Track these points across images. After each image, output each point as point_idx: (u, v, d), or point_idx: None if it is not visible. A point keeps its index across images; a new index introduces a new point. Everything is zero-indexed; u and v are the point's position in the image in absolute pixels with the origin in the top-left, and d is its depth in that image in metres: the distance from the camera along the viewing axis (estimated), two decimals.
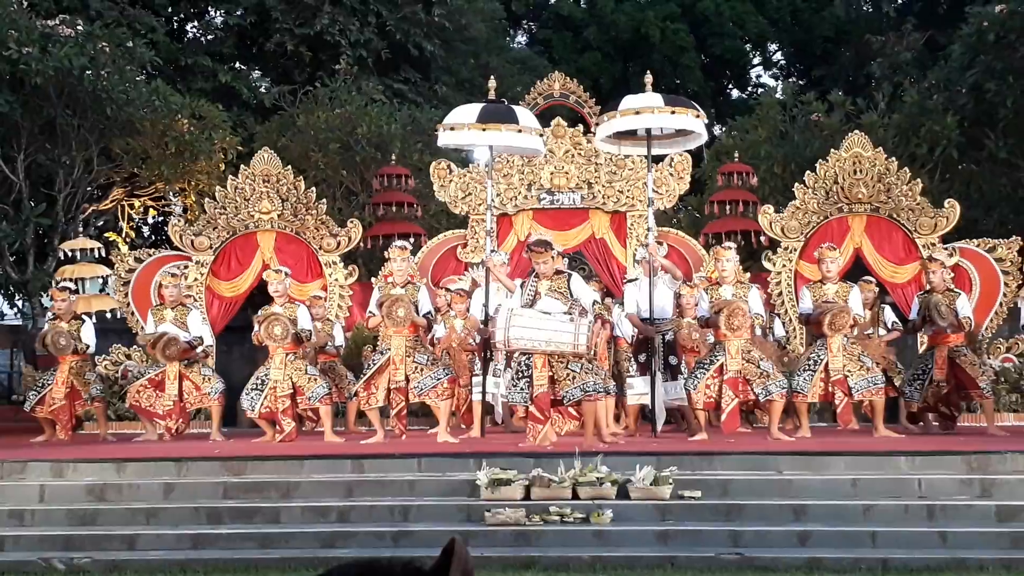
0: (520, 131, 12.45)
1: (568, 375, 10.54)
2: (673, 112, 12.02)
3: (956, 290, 12.75)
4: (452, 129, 12.51)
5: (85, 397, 13.61)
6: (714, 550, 8.15)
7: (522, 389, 10.65)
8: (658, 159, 14.53)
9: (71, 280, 16.88)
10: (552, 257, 10.86)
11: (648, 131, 12.41)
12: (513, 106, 12.97)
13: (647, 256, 12.27)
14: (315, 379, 12.22)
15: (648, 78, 12.63)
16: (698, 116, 12.18)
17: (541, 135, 13.44)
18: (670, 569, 7.77)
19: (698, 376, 11.37)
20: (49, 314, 14.31)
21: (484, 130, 12.29)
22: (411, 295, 11.78)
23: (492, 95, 12.85)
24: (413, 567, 1.17)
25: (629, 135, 12.85)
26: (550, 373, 10.58)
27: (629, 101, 12.13)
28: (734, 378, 11.28)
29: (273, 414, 12.12)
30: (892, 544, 8.24)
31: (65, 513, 9.28)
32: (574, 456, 9.20)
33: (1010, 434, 12.25)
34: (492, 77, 14.05)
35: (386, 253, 14.88)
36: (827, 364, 11.58)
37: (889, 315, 13.64)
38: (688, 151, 15.33)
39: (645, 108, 11.99)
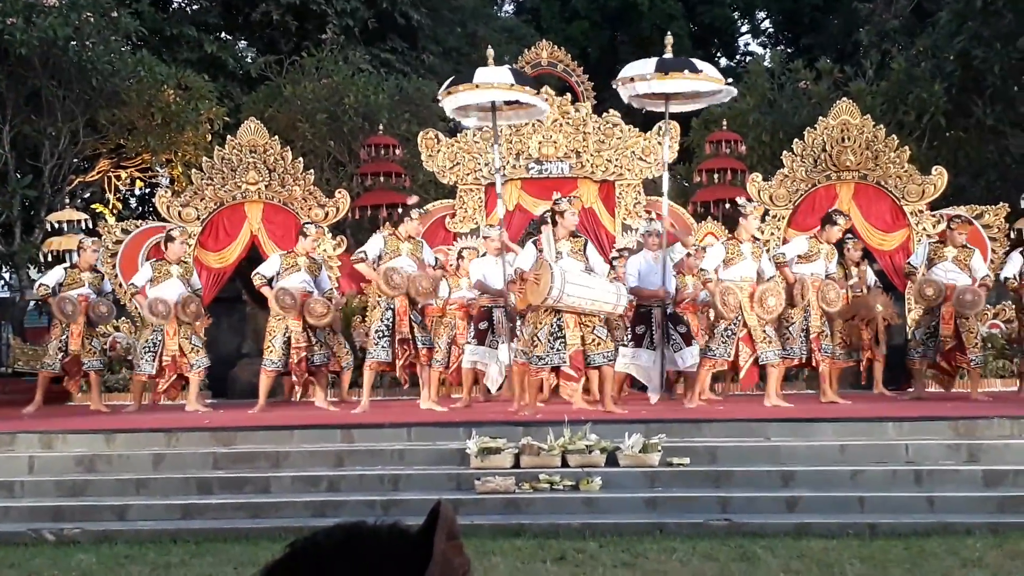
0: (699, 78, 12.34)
1: (595, 340, 10.88)
2: (663, 79, 11.98)
3: (970, 247, 12.88)
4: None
5: (87, 366, 13.62)
6: (703, 516, 8.19)
7: (558, 350, 10.76)
8: (675, 116, 14.34)
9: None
10: (574, 213, 11.47)
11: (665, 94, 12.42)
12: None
13: (661, 227, 12.28)
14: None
15: (669, 39, 12.68)
16: (697, 77, 12.11)
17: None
18: (659, 535, 7.81)
19: (727, 341, 11.61)
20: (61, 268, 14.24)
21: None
22: (416, 249, 12.11)
23: (491, 63, 12.78)
24: (399, 529, 1.18)
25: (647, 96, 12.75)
26: (581, 334, 10.84)
27: (626, 71, 12.34)
28: (748, 335, 11.54)
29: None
30: (880, 509, 8.29)
31: (55, 484, 9.30)
32: (563, 424, 9.23)
33: (993, 399, 12.32)
34: (489, 46, 14.02)
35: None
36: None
37: (871, 276, 13.89)
38: (676, 119, 15.31)
39: (639, 76, 12.09)
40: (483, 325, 12.88)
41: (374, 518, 1.20)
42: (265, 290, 12.55)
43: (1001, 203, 16.31)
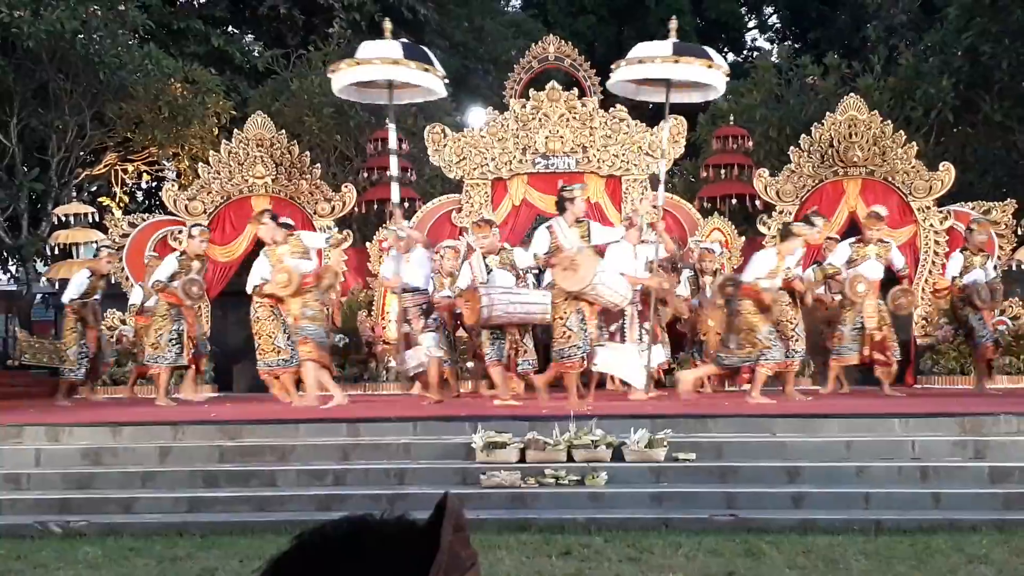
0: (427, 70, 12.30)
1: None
2: (677, 62, 11.90)
3: (888, 240, 13.14)
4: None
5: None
6: (708, 512, 8.18)
7: (587, 338, 11.14)
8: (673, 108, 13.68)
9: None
10: (493, 233, 12.11)
11: (667, 80, 12.29)
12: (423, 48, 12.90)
13: (648, 213, 12.34)
14: None
15: (673, 23, 12.50)
16: (711, 66, 12.06)
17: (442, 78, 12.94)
18: (664, 531, 7.80)
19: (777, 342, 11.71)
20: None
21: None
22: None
23: (388, 36, 12.53)
24: (406, 521, 1.17)
25: (650, 81, 12.67)
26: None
27: (640, 49, 12.21)
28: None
29: None
30: (885, 505, 8.28)
31: (61, 477, 9.31)
32: (569, 419, 9.23)
33: (1003, 395, 12.29)
34: (387, 19, 13.55)
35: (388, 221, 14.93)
36: None
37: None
38: (683, 114, 15.30)
39: (652, 57, 11.99)
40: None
41: (380, 511, 1.20)
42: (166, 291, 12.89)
43: (1009, 199, 16.28)
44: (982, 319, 12.83)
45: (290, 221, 12.85)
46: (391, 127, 12.97)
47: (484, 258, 12.04)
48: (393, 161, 13.09)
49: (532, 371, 12.36)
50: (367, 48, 12.19)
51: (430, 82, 12.49)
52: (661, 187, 12.87)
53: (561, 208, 11.34)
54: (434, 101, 21.85)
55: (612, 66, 12.67)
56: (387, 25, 12.67)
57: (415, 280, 12.29)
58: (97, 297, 14.06)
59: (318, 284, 11.99)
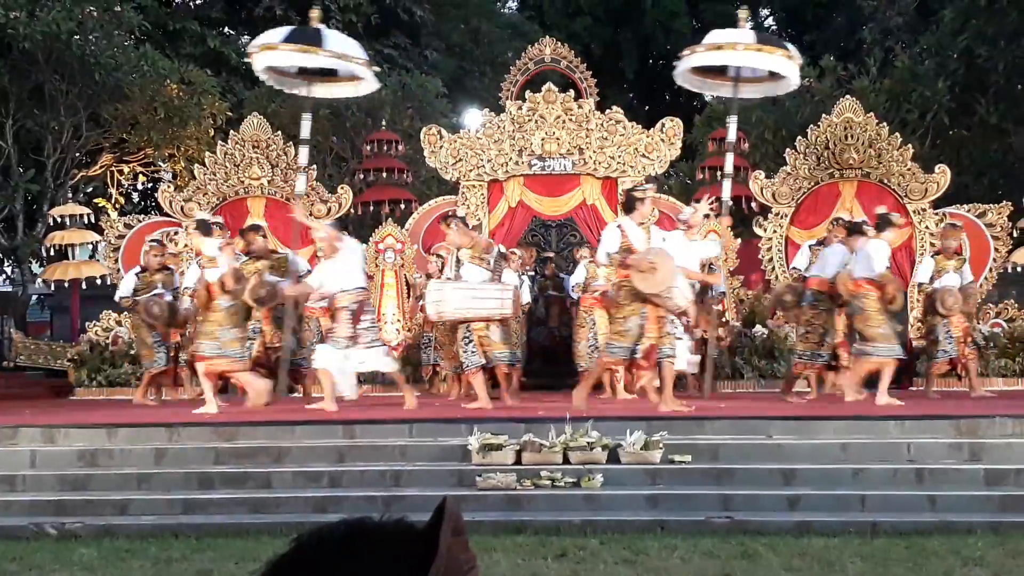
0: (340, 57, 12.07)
1: (667, 335, 10.89)
2: (760, 51, 11.65)
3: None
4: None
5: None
6: (704, 514, 8.18)
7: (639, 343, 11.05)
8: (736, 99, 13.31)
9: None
10: (453, 229, 11.72)
11: (737, 72, 12.08)
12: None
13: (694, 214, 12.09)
14: None
15: (743, 12, 12.13)
16: (790, 58, 11.75)
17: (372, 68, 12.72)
18: (660, 533, 7.80)
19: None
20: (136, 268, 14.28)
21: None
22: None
23: (314, 24, 12.35)
24: (404, 525, 1.17)
25: (716, 73, 12.42)
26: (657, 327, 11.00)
27: (715, 36, 11.89)
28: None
29: None
30: (881, 508, 8.28)
31: (56, 478, 9.30)
32: (565, 421, 9.22)
33: (998, 396, 12.30)
34: (315, 6, 13.29)
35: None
36: None
37: None
38: (680, 116, 15.30)
39: (733, 43, 11.67)
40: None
41: (378, 514, 1.20)
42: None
43: (1004, 202, 16.29)
44: (949, 330, 12.67)
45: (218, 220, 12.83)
46: (305, 117, 12.84)
47: (456, 253, 11.88)
48: (303, 152, 12.97)
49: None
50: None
51: (361, 72, 12.18)
52: (728, 182, 12.73)
53: (629, 208, 10.86)
54: (431, 103, 22.01)
55: (683, 52, 12.34)
56: (314, 14, 12.38)
57: (349, 280, 11.55)
58: (157, 291, 13.65)
59: (226, 293, 11.78)
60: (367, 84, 12.84)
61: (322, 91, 13.25)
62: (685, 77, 12.70)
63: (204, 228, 12.12)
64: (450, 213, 12.75)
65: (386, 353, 11.90)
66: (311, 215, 13.60)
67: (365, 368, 11.67)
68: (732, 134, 13.01)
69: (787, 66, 11.81)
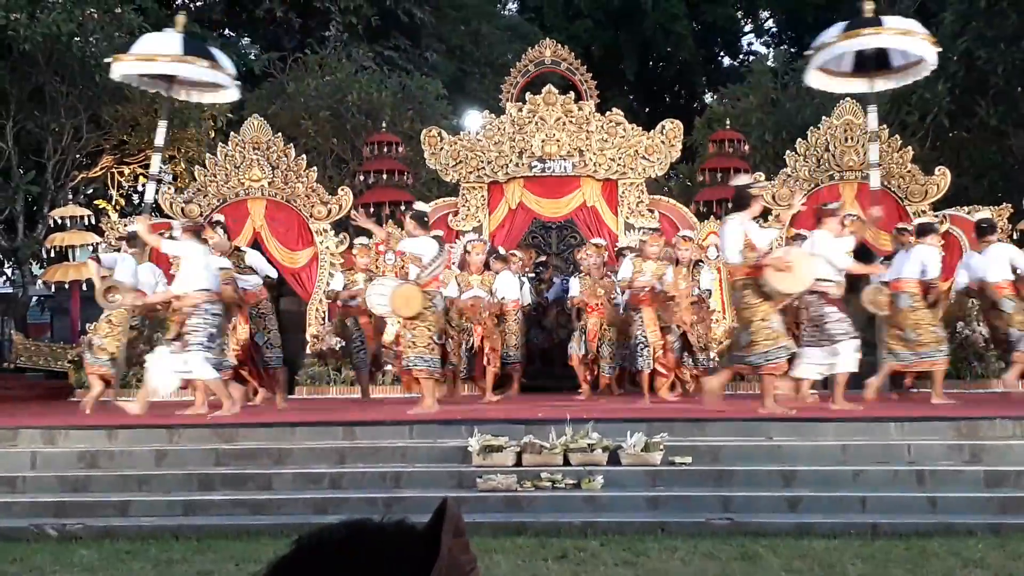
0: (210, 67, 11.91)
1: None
2: (897, 35, 11.39)
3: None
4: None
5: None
6: (704, 515, 8.19)
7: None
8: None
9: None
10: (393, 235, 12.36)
11: (865, 67, 11.96)
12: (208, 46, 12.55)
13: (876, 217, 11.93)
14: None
15: (869, 4, 11.73)
16: (926, 38, 11.48)
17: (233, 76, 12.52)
18: (661, 534, 7.81)
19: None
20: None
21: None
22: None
23: (177, 29, 12.08)
24: (405, 526, 1.17)
25: (846, 72, 12.19)
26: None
27: (839, 27, 11.65)
28: None
29: None
30: (881, 509, 8.29)
31: (57, 480, 9.30)
32: (565, 423, 9.23)
33: (999, 399, 12.29)
34: (180, 13, 13.30)
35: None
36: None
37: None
38: (680, 118, 15.29)
39: (854, 32, 11.38)
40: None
41: (379, 516, 1.20)
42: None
43: (1004, 203, 16.29)
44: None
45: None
46: (161, 124, 12.69)
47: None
48: (155, 159, 12.75)
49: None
50: (146, 43, 11.78)
51: (220, 79, 12.03)
52: (876, 172, 12.48)
53: (743, 204, 10.61)
54: (431, 104, 22.00)
55: (807, 52, 12.19)
56: (180, 19, 12.26)
57: (187, 284, 11.29)
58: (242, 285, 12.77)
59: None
60: (229, 92, 12.74)
61: (182, 95, 13.05)
62: (817, 77, 12.30)
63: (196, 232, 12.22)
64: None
65: (209, 361, 11.21)
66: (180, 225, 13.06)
67: (187, 374, 11.31)
68: (873, 123, 12.67)
69: (928, 49, 11.58)
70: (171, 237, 12.06)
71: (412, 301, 11.07)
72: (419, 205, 12.91)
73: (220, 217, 14.05)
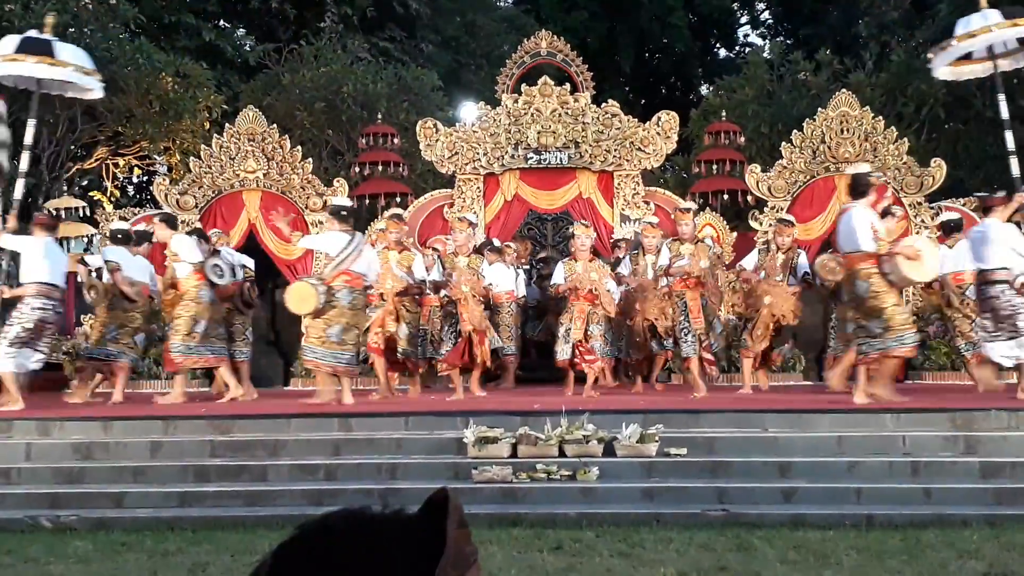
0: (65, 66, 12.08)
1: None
2: (1015, 25, 11.93)
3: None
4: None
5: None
6: (700, 507, 8.19)
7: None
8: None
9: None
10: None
11: (990, 50, 12.39)
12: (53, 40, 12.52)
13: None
14: None
15: None
16: None
17: (89, 73, 12.70)
18: (656, 526, 7.81)
19: None
20: None
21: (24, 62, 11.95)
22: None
23: (49, 32, 12.30)
24: (406, 515, 1.17)
25: (965, 57, 12.77)
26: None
27: (965, 24, 12.21)
28: None
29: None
30: (876, 500, 8.29)
31: (52, 471, 9.29)
32: (561, 414, 9.23)
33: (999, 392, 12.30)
34: (50, 15, 13.33)
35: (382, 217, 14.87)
36: None
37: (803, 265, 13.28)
38: (675, 110, 15.28)
39: (982, 29, 12.01)
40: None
41: (381, 505, 1.20)
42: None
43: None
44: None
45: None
46: (31, 124, 12.96)
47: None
48: (24, 158, 13.06)
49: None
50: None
51: (67, 75, 12.22)
52: (1014, 159, 12.57)
53: (860, 192, 10.44)
54: (427, 96, 21.97)
55: (931, 54, 12.85)
56: (49, 20, 12.38)
57: (31, 274, 11.60)
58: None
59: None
60: (94, 92, 13.05)
61: (55, 89, 13.19)
62: (943, 71, 13.06)
63: (170, 222, 12.54)
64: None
65: (8, 355, 11.45)
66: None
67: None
68: (1005, 111, 12.99)
69: None
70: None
71: (307, 299, 11.22)
72: (338, 200, 12.97)
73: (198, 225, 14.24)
